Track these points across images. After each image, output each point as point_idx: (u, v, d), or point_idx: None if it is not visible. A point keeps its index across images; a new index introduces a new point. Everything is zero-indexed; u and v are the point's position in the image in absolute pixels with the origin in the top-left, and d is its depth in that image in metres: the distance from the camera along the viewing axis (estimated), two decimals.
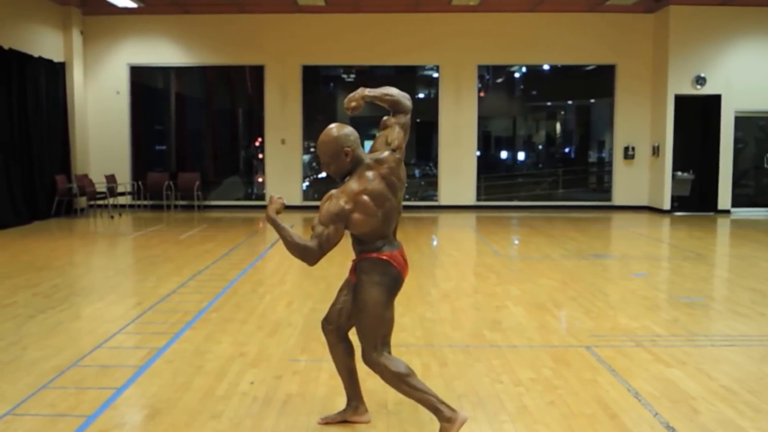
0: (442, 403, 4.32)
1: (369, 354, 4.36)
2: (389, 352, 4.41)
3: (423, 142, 20.93)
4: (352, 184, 4.22)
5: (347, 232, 4.29)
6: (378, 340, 4.34)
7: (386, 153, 4.35)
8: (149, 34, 19.65)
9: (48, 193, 17.17)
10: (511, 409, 4.93)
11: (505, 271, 10.42)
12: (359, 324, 4.38)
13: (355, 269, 4.41)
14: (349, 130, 4.31)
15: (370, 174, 4.26)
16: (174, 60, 19.96)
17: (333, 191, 4.25)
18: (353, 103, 4.43)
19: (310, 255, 4.18)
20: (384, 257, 4.31)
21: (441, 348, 6.43)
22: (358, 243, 4.38)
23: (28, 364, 5.87)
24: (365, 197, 4.19)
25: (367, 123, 20.90)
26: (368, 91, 4.46)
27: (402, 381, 4.32)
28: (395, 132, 4.43)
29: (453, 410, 4.31)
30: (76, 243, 13.97)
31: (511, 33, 19.45)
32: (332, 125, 4.34)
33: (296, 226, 15.83)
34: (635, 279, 9.85)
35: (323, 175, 20.35)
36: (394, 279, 4.35)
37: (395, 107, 4.53)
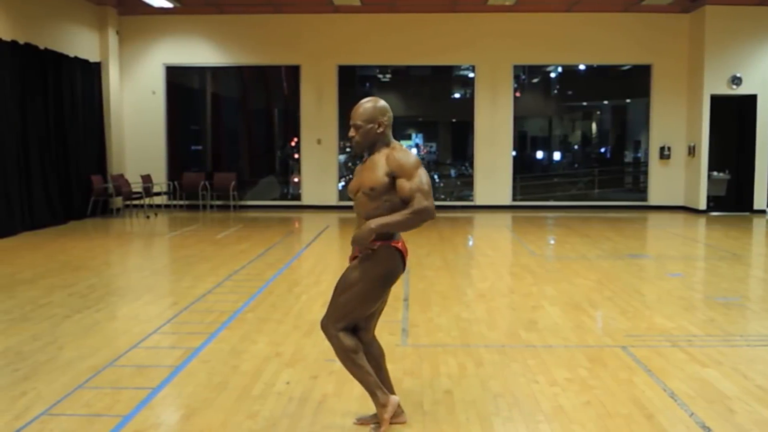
0: (380, 387, 4.44)
1: (329, 324, 4.44)
2: (348, 331, 4.45)
3: (459, 142, 20.86)
4: (404, 149, 4.47)
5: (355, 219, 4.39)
6: (347, 321, 4.42)
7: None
8: (185, 34, 19.77)
9: (84, 193, 17.31)
10: (547, 409, 4.91)
11: (541, 271, 10.38)
12: (341, 297, 4.42)
13: (368, 253, 4.41)
14: (388, 107, 4.54)
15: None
16: (210, 60, 20.05)
17: (385, 153, 4.42)
18: None
19: (425, 212, 4.22)
20: (399, 247, 4.40)
21: (477, 348, 6.41)
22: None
23: (64, 364, 5.92)
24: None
25: (404, 123, 20.94)
26: None
27: (348, 357, 4.40)
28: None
29: (386, 394, 4.46)
30: (111, 243, 14.08)
31: (547, 33, 19.35)
32: (372, 97, 4.59)
33: (332, 227, 15.86)
34: (671, 279, 9.78)
35: None
36: (394, 272, 4.42)
37: None
